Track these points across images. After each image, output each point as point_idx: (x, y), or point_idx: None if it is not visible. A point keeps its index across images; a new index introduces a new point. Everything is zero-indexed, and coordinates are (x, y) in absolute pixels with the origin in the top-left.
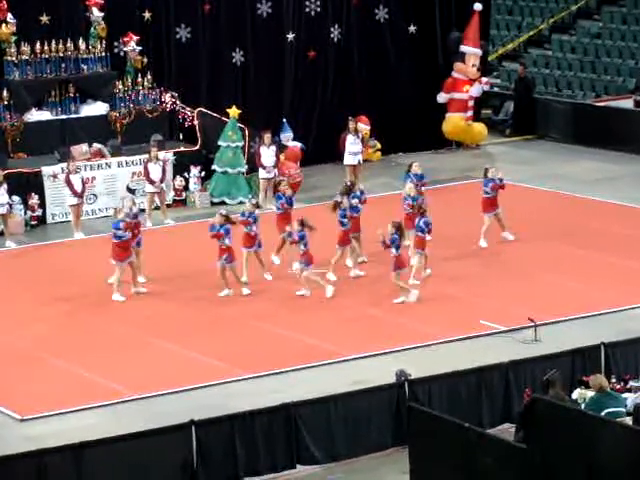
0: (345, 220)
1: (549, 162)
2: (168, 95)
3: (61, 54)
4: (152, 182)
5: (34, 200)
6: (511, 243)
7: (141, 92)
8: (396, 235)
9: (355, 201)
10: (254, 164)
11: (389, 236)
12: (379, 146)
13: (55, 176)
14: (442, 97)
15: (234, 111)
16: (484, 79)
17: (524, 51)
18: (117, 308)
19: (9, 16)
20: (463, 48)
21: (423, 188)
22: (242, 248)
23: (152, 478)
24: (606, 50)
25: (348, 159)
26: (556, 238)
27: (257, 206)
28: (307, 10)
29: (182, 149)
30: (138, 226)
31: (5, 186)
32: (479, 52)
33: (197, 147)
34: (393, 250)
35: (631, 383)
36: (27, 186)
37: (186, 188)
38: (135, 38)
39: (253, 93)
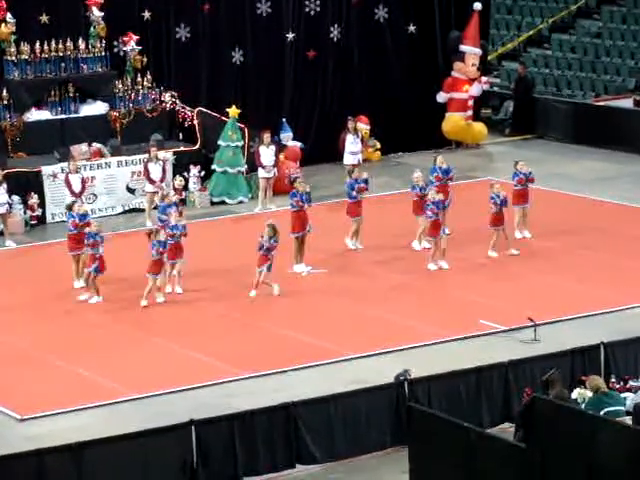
0: (430, 213)
1: (549, 162)
2: (168, 95)
3: (61, 54)
4: (152, 182)
5: (34, 200)
6: (510, 243)
7: (141, 92)
8: (272, 239)
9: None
10: (254, 164)
11: (265, 239)
12: (379, 146)
13: (55, 176)
14: (442, 97)
15: (234, 111)
16: (484, 78)
17: (524, 51)
18: (117, 308)
19: (8, 16)
20: (463, 47)
21: (450, 182)
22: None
23: (152, 478)
24: (606, 50)
25: (348, 159)
26: (555, 238)
27: (99, 229)
28: (307, 10)
29: (182, 149)
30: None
31: (5, 186)
32: (479, 52)
33: (197, 147)
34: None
35: (631, 383)
36: (27, 186)
37: (186, 188)
38: (135, 38)
39: (253, 93)
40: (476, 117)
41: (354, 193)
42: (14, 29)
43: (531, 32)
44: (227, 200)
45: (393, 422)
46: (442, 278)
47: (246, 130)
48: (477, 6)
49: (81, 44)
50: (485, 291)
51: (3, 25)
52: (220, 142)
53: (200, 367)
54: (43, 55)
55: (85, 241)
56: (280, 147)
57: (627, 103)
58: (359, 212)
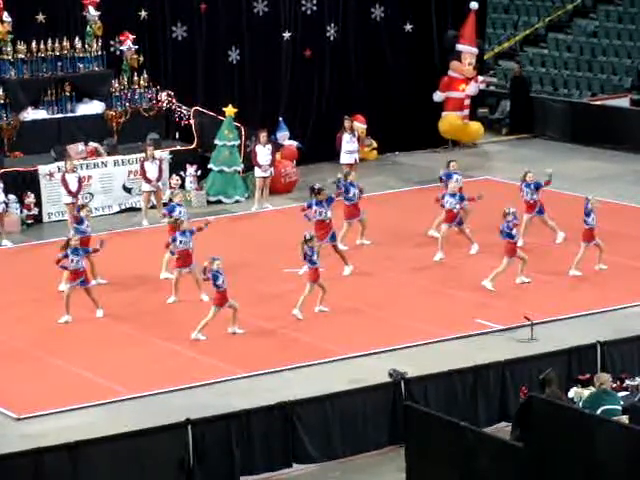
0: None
1: (545, 161)
2: (164, 94)
3: (57, 53)
4: (148, 181)
5: (30, 199)
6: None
7: (137, 91)
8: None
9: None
10: (250, 163)
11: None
12: (375, 145)
13: (51, 175)
14: (438, 96)
15: (230, 110)
16: (480, 78)
17: (520, 50)
18: (113, 307)
19: (5, 15)
20: (459, 47)
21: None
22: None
23: (148, 477)
24: (602, 49)
25: (344, 158)
26: (552, 236)
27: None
28: (303, 9)
29: (178, 148)
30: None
31: (1, 185)
32: (475, 51)
33: (193, 146)
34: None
35: (627, 382)
36: (23, 185)
37: (182, 187)
38: (131, 37)
39: (249, 92)
40: (473, 116)
41: (351, 195)
42: (10, 28)
43: (527, 31)
44: (224, 199)
45: (390, 421)
46: (438, 277)
47: (243, 129)
48: (473, 5)
49: (78, 43)
50: (481, 290)
51: (0, 24)
52: (217, 141)
53: (197, 366)
54: (40, 54)
55: (70, 256)
56: (277, 146)
57: (623, 102)
58: (356, 214)
